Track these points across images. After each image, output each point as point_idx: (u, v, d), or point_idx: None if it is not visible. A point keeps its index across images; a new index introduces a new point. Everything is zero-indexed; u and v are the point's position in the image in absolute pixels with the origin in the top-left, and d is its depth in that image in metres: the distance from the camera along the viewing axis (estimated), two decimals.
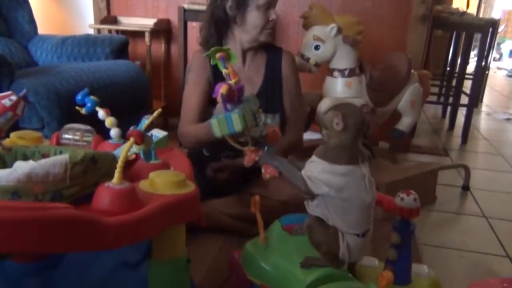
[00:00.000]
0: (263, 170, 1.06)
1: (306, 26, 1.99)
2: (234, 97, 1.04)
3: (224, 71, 1.13)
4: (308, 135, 2.29)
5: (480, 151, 2.97)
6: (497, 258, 1.54)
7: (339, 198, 0.98)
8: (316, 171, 1.00)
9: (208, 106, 1.65)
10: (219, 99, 1.00)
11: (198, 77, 1.65)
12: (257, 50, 1.69)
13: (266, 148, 1.13)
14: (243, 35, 1.62)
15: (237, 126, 0.98)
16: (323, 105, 1.93)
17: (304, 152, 1.96)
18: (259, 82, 1.68)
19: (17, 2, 2.43)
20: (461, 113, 3.39)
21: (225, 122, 0.98)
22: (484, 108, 4.48)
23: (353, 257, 1.05)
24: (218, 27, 1.63)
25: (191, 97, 1.66)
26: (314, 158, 1.02)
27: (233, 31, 1.63)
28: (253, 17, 1.57)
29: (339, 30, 1.95)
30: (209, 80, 1.64)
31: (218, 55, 1.12)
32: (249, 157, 1.09)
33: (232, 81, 1.12)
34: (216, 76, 1.63)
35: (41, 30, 2.58)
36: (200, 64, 1.66)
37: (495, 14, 9.00)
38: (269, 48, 1.72)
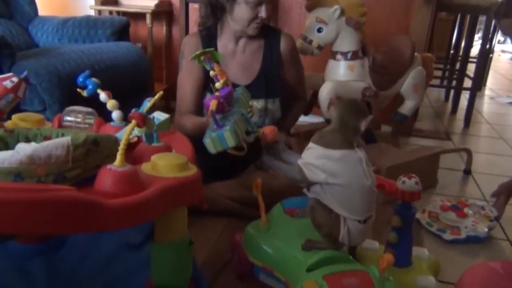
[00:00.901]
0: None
1: (309, 8, 1.97)
2: (224, 108, 1.07)
3: (211, 72, 1.17)
4: (310, 119, 2.28)
5: (483, 135, 2.96)
6: (497, 242, 1.55)
7: (338, 185, 0.99)
8: (313, 157, 1.01)
9: (202, 92, 1.64)
10: (209, 114, 1.03)
11: (191, 64, 1.64)
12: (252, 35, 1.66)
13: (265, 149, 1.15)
14: (232, 23, 1.60)
15: (230, 142, 1.01)
16: (325, 88, 1.92)
17: (304, 135, 1.97)
18: (257, 68, 1.66)
19: None
20: (464, 96, 3.37)
21: (218, 140, 1.01)
22: (487, 91, 4.45)
23: (353, 241, 1.06)
24: (213, 10, 1.62)
25: (185, 85, 1.65)
26: (310, 144, 1.03)
27: (226, 16, 1.62)
28: (241, 10, 1.54)
29: (342, 12, 1.93)
30: (201, 66, 1.63)
31: (202, 57, 1.16)
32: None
33: (220, 82, 1.16)
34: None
35: (42, 11, 2.56)
36: (192, 49, 1.64)
37: None
38: (267, 32, 1.69)
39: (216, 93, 1.09)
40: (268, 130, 1.10)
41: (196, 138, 1.47)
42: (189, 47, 1.67)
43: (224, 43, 1.66)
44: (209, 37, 1.67)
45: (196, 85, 1.63)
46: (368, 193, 1.02)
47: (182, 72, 1.68)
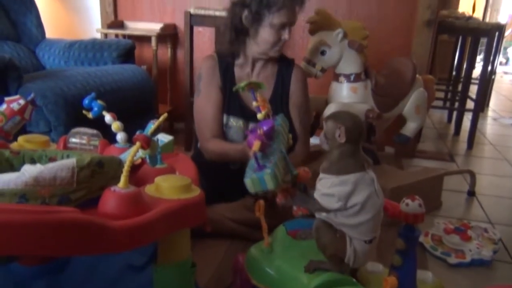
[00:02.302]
0: (295, 208, 1.13)
1: (312, 32, 2.00)
2: (266, 147, 1.09)
3: (254, 103, 1.20)
4: (314, 140, 2.29)
5: (486, 157, 2.96)
6: (503, 265, 1.53)
7: (353, 206, 0.99)
8: (327, 186, 1.01)
9: (223, 113, 1.65)
10: (251, 154, 1.05)
11: (209, 86, 1.65)
12: (268, 60, 1.69)
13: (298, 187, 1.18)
14: (254, 46, 1.63)
15: (270, 185, 1.02)
16: (329, 110, 1.93)
17: (309, 157, 1.97)
18: (267, 94, 1.68)
19: (26, 6, 2.45)
20: (467, 118, 3.38)
21: (258, 182, 1.03)
22: (490, 113, 4.46)
23: (358, 262, 1.05)
24: (235, 34, 1.64)
25: (206, 109, 1.65)
26: (321, 175, 1.03)
27: (247, 40, 1.64)
28: (266, 33, 1.57)
29: (345, 35, 1.96)
30: (219, 87, 1.65)
31: (247, 88, 1.20)
32: (281, 197, 1.14)
33: (262, 113, 1.20)
34: (226, 83, 1.64)
35: (49, 34, 2.60)
36: (209, 72, 1.67)
37: (502, 19, 8.96)
38: (281, 60, 1.73)
39: (259, 131, 1.10)
40: (303, 171, 1.13)
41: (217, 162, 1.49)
42: (206, 70, 1.68)
43: (240, 65, 1.69)
44: (226, 60, 1.69)
45: (217, 107, 1.64)
46: (379, 213, 1.03)
47: (200, 96, 1.68)
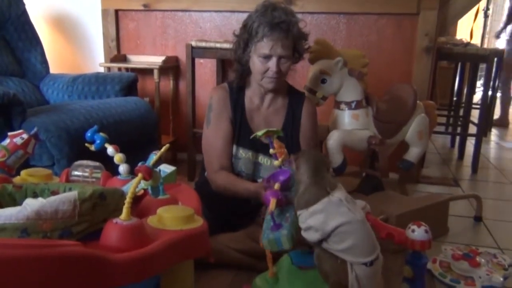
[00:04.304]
0: None
1: (312, 61, 2.02)
2: (283, 204, 1.13)
3: (271, 150, 1.27)
4: None
5: (491, 181, 2.93)
6: None
7: (333, 231, 1.00)
8: (302, 221, 1.05)
9: (233, 144, 1.65)
10: (268, 213, 1.09)
11: (219, 118, 1.66)
12: (278, 92, 1.70)
13: None
14: (253, 77, 1.66)
15: (286, 245, 1.07)
16: (332, 137, 1.94)
17: None
18: (279, 125, 1.69)
19: (31, 43, 2.50)
20: (470, 142, 3.37)
21: (275, 243, 1.08)
22: (493, 137, 4.45)
23: None
24: (239, 64, 1.66)
25: (215, 140, 1.65)
26: (297, 212, 1.08)
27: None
28: (253, 63, 1.60)
29: (345, 64, 1.98)
30: (230, 119, 1.66)
31: (264, 136, 1.27)
32: None
33: (279, 160, 1.25)
34: (236, 114, 1.65)
35: (53, 69, 2.64)
36: (220, 103, 1.68)
37: (500, 44, 9.07)
38: (291, 93, 1.74)
39: (276, 185, 1.14)
40: None
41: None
42: (217, 101, 1.69)
43: (250, 97, 1.70)
44: (237, 91, 1.70)
45: (226, 139, 1.64)
46: (362, 229, 1.02)
47: (210, 127, 1.68)
